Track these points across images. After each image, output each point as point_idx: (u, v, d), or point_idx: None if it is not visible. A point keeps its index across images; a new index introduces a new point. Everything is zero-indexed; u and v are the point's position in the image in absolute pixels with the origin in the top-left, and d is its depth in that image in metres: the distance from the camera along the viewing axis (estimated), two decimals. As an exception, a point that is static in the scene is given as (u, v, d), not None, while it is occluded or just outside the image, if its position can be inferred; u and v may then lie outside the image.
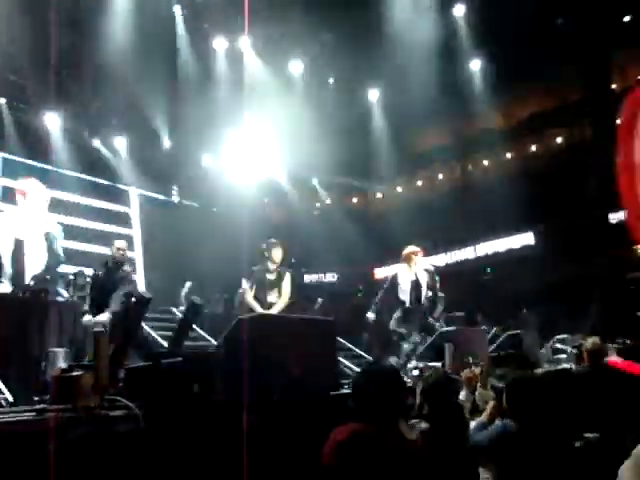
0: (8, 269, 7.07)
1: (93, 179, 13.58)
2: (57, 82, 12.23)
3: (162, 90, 13.55)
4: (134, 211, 14.53)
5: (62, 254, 7.05)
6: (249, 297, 6.45)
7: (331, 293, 15.97)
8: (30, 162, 12.45)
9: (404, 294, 7.54)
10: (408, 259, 7.61)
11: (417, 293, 7.53)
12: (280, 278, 6.61)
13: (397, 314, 7.58)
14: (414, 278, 7.56)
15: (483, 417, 3.67)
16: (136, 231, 14.08)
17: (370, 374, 2.78)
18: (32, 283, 7.55)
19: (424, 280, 7.58)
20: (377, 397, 2.61)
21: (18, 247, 7.71)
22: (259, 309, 6.12)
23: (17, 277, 7.61)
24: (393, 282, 7.63)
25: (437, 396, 3.63)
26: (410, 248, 7.74)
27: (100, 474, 2.31)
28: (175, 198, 16.50)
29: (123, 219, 13.96)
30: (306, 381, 3.49)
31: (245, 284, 6.94)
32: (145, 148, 14.92)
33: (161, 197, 15.98)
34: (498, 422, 3.44)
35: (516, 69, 14.84)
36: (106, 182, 13.94)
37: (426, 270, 7.70)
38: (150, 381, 3.03)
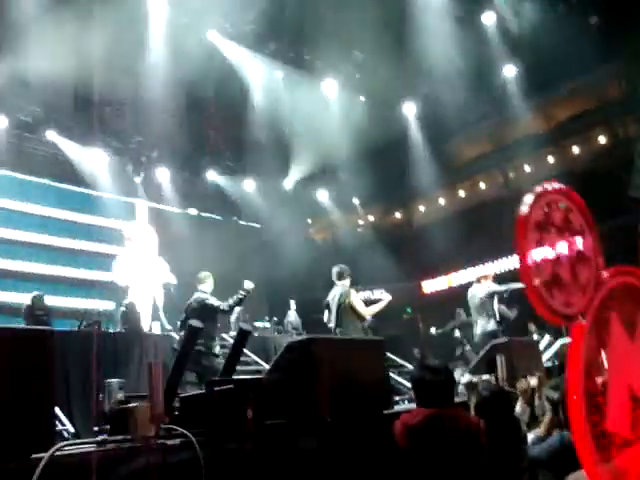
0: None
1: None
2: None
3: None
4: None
5: None
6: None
7: (380, 310, 15.88)
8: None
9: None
10: (480, 280, 8.24)
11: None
12: None
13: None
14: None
15: (540, 430, 3.61)
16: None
17: (424, 366, 3.21)
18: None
19: None
20: (431, 385, 3.07)
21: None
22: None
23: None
24: None
25: (492, 410, 3.59)
26: (481, 272, 8.42)
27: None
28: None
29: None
30: (358, 401, 3.49)
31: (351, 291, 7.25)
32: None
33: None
34: (555, 435, 3.38)
35: (552, 71, 14.66)
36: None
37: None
38: (204, 409, 3.08)
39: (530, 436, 3.74)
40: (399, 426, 3.09)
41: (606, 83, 16.31)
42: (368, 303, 7.46)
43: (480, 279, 8.29)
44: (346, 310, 7.11)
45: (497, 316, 7.96)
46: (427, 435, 3.01)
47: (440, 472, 2.98)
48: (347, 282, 7.31)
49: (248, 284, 6.81)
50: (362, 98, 15.70)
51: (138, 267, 11.16)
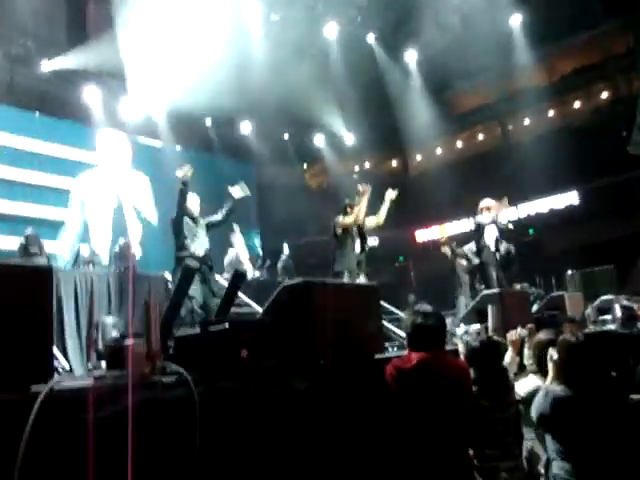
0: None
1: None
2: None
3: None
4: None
5: None
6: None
7: (373, 256, 15.98)
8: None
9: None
10: (482, 211, 7.97)
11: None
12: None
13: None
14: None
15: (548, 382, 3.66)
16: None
17: (416, 311, 3.32)
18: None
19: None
20: (424, 329, 3.20)
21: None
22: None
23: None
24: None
25: (481, 360, 3.67)
26: (485, 201, 8.09)
27: (157, 438, 2.40)
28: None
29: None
30: (352, 345, 3.54)
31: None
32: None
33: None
34: (542, 389, 3.46)
35: (558, 23, 14.42)
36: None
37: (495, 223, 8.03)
38: (199, 348, 3.12)
39: (519, 382, 3.83)
40: (390, 369, 3.19)
41: (612, 37, 16.07)
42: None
43: (482, 210, 8.10)
44: (339, 239, 7.26)
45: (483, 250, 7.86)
46: (417, 378, 3.11)
47: (428, 414, 3.09)
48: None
49: (235, 191, 6.83)
50: (369, 39, 15.36)
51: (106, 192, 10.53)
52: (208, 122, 16.03)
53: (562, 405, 3.22)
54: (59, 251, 11.51)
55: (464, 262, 9.82)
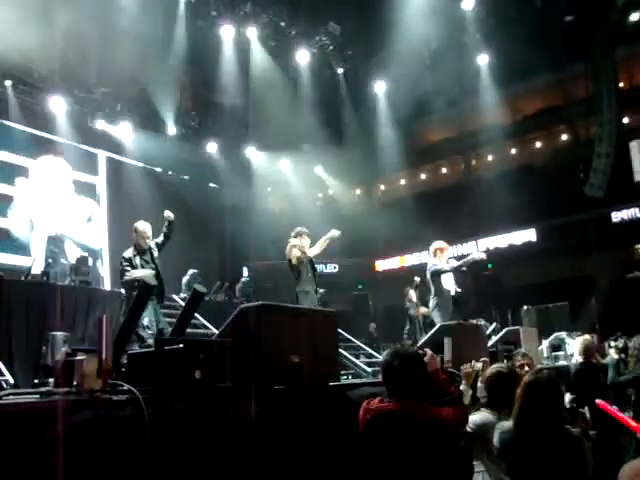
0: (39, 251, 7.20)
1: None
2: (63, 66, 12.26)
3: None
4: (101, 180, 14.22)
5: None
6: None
7: (331, 284, 16.02)
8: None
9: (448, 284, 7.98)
10: (436, 253, 8.00)
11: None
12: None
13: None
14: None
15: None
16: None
17: (398, 355, 3.13)
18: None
19: None
20: (404, 375, 3.04)
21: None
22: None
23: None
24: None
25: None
26: (438, 243, 8.12)
27: (104, 457, 2.34)
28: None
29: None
30: (307, 370, 3.52)
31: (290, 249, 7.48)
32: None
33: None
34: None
35: (523, 64, 14.83)
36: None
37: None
38: (152, 367, 3.06)
39: (473, 416, 3.84)
40: (361, 414, 3.09)
41: (574, 82, 16.59)
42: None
43: (436, 251, 8.14)
44: (293, 268, 7.28)
45: (442, 295, 7.95)
46: (385, 431, 2.99)
47: (399, 469, 2.97)
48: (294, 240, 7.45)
49: (168, 214, 6.82)
50: (338, 70, 15.52)
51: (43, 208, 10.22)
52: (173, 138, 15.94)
53: (508, 440, 3.25)
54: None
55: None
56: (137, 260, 6.74)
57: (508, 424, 3.35)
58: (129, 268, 6.63)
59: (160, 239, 7.01)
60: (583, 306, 11.58)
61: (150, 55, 12.56)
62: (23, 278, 8.21)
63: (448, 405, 3.24)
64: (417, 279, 10.77)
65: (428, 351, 3.53)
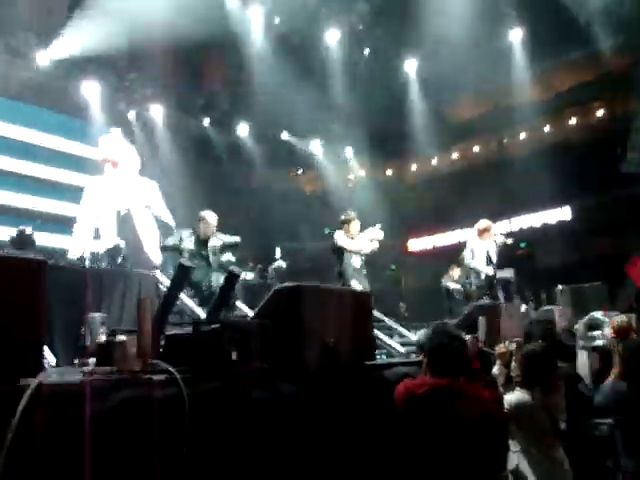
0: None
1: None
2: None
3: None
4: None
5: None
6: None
7: (366, 264, 15.96)
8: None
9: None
10: (482, 233, 8.14)
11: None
12: None
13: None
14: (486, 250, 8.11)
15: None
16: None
17: (439, 333, 3.17)
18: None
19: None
20: (444, 353, 3.06)
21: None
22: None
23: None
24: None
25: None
26: (483, 223, 8.23)
27: (145, 436, 2.39)
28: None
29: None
30: (342, 350, 3.54)
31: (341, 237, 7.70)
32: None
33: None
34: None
35: (557, 39, 14.49)
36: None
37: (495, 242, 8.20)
38: (189, 348, 3.11)
39: (508, 396, 3.84)
40: (403, 393, 3.06)
41: (610, 56, 16.17)
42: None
43: (482, 232, 8.21)
44: (339, 254, 7.44)
45: (481, 274, 8.02)
46: (427, 408, 2.97)
47: (443, 448, 2.95)
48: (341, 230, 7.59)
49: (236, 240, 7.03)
50: (368, 49, 15.39)
51: (114, 195, 10.47)
52: (206, 122, 16.00)
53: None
54: (68, 247, 11.42)
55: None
56: (191, 245, 6.90)
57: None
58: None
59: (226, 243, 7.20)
60: (620, 286, 11.39)
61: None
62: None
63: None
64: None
65: (469, 337, 3.56)
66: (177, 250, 7.00)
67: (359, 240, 7.72)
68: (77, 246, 8.81)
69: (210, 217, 7.15)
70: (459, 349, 3.09)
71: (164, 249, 7.36)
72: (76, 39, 11.84)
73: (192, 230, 7.11)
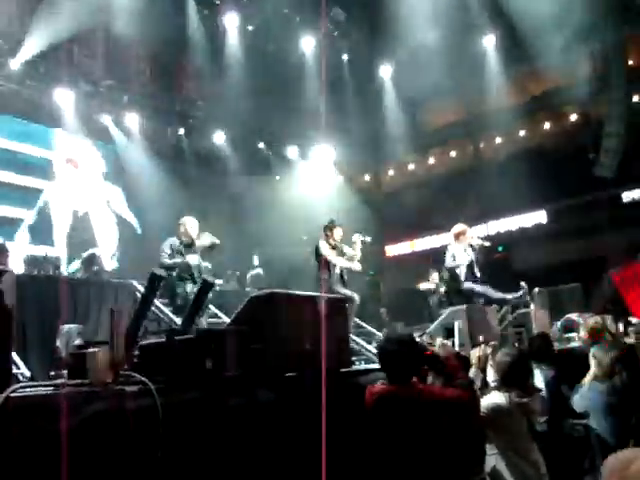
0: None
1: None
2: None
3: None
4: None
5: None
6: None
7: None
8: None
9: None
10: (459, 237, 8.20)
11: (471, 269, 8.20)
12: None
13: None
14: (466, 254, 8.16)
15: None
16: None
17: (389, 340, 3.27)
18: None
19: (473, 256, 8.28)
20: (394, 358, 3.10)
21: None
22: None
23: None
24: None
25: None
26: (459, 227, 8.30)
27: (118, 448, 2.36)
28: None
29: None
30: (318, 357, 3.53)
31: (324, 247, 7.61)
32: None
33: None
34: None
35: (530, 44, 14.65)
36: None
37: (471, 246, 8.26)
38: (164, 357, 3.09)
39: (484, 399, 3.85)
40: (366, 399, 3.15)
41: (582, 61, 16.38)
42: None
43: (458, 236, 8.26)
44: (320, 264, 7.41)
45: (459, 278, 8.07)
46: (376, 415, 3.07)
47: (402, 453, 3.01)
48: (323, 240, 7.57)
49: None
50: (344, 55, 15.44)
51: (73, 196, 10.28)
52: (181, 130, 15.91)
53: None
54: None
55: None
56: (181, 248, 6.99)
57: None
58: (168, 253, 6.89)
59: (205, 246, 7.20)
60: (595, 287, 11.51)
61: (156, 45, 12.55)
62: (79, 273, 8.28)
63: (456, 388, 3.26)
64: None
65: (439, 340, 3.59)
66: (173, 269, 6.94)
67: (341, 257, 7.69)
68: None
69: (190, 223, 7.16)
70: (407, 354, 3.12)
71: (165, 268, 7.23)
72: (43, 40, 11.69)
73: (175, 238, 7.09)
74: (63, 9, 10.84)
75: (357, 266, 7.75)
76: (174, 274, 6.78)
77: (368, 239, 7.95)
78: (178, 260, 6.83)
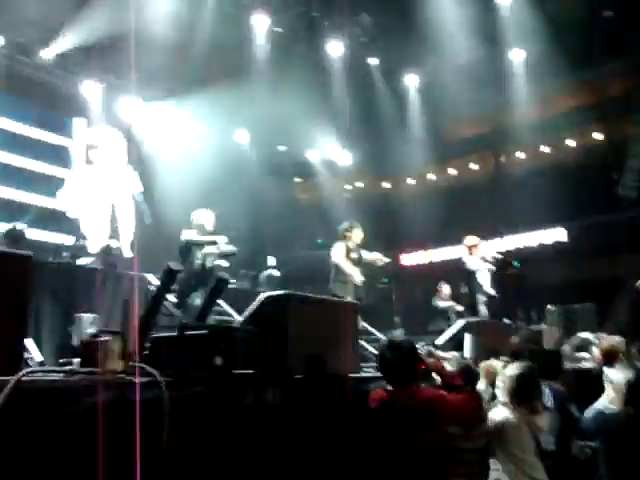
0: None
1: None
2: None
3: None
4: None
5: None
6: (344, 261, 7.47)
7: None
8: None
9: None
10: (471, 250, 8.23)
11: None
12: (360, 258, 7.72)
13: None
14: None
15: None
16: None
17: (388, 346, 3.28)
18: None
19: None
20: (393, 364, 3.19)
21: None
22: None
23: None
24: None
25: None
26: (471, 240, 8.33)
27: (123, 438, 2.37)
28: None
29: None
30: (327, 361, 3.53)
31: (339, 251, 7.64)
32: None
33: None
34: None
35: (558, 61, 14.57)
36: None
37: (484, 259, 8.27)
38: (175, 351, 3.10)
39: (491, 412, 3.84)
40: (370, 401, 3.21)
41: (610, 80, 16.27)
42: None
43: (470, 248, 8.24)
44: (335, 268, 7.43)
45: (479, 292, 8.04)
46: (381, 418, 3.12)
47: (400, 451, 3.05)
48: (340, 242, 7.57)
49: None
50: (370, 62, 15.41)
51: (100, 185, 10.21)
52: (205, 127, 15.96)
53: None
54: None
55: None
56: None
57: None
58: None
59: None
60: (611, 308, 11.41)
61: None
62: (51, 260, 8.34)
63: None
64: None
65: (431, 350, 3.65)
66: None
67: (349, 264, 7.64)
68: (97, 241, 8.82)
69: (205, 215, 7.34)
70: (405, 360, 3.18)
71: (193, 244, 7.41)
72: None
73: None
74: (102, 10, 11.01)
75: (359, 279, 7.65)
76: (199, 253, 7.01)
77: (386, 260, 7.98)
78: (205, 238, 7.08)
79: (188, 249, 7.12)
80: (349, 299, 7.22)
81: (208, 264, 7.26)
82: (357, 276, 7.51)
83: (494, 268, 8.69)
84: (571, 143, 18.13)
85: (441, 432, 3.20)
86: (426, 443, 3.07)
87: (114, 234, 10.57)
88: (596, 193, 15.27)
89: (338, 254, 7.55)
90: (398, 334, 3.02)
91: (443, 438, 3.24)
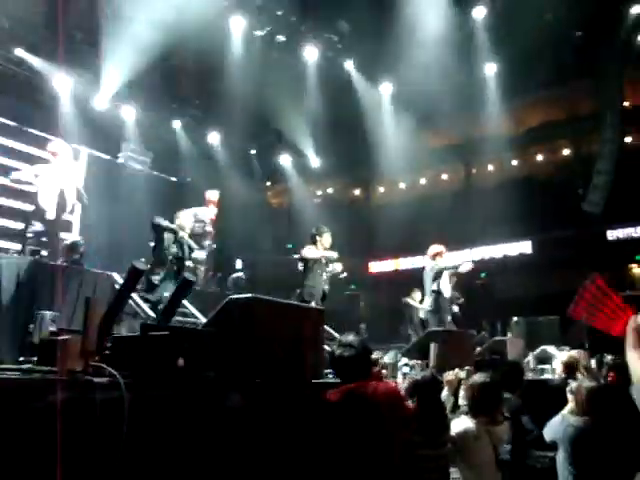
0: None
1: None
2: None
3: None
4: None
5: None
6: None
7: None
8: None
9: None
10: (435, 257, 8.43)
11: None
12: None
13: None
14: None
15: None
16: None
17: (340, 345, 3.33)
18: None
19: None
20: (344, 362, 3.25)
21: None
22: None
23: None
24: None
25: (421, 394, 3.70)
26: (437, 247, 8.54)
27: (80, 439, 2.33)
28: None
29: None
30: (290, 366, 3.52)
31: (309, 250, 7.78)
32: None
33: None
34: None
35: (530, 77, 14.80)
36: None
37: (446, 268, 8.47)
38: (136, 351, 3.05)
39: (454, 421, 3.86)
40: (330, 395, 3.20)
41: (579, 98, 16.60)
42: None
43: (435, 256, 8.40)
44: (305, 266, 7.50)
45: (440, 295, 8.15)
46: (345, 410, 3.12)
47: (360, 443, 3.07)
48: (311, 245, 7.66)
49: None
50: (346, 67, 15.44)
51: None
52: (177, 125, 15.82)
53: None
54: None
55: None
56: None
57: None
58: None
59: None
60: (573, 322, 11.59)
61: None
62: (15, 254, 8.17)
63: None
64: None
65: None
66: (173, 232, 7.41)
67: (331, 251, 7.83)
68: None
69: (185, 216, 7.56)
70: (358, 357, 3.26)
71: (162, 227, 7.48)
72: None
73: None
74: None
75: (339, 267, 8.02)
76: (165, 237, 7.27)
77: (344, 275, 8.11)
78: (173, 225, 7.36)
79: (159, 232, 7.27)
80: (314, 304, 7.24)
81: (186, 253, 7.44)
82: (332, 253, 7.68)
83: (456, 278, 8.86)
84: (539, 158, 18.44)
85: (403, 420, 3.30)
86: (391, 429, 3.15)
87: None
88: (562, 208, 15.53)
89: (310, 251, 7.63)
90: (351, 337, 3.06)
91: (406, 430, 3.35)
